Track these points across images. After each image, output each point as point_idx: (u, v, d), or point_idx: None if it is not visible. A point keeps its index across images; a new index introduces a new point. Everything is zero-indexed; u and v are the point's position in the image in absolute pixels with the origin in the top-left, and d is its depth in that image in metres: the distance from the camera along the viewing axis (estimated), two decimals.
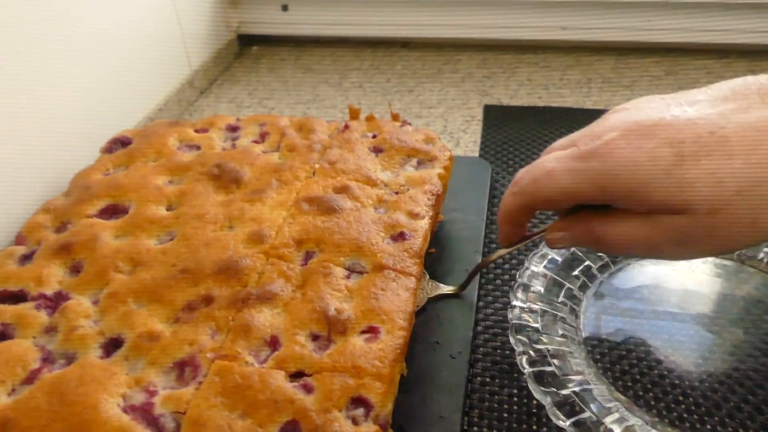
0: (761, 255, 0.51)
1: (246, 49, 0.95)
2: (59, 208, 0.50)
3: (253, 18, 0.93)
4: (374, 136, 0.57)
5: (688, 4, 0.79)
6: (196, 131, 0.59)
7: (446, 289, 0.49)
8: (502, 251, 0.45)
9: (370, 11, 0.88)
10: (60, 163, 0.58)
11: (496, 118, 0.74)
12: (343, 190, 0.49)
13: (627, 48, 0.86)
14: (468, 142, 0.71)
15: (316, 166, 0.53)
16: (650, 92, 0.78)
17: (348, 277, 0.43)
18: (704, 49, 0.84)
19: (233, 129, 0.59)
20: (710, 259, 0.51)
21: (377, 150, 0.55)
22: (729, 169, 0.31)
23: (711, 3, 0.78)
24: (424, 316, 0.47)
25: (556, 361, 0.42)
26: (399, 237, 0.46)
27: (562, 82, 0.81)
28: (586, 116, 0.73)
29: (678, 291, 0.50)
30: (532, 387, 0.40)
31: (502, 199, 0.41)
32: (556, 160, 0.37)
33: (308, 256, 0.44)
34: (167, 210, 0.49)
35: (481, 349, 0.47)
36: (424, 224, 0.47)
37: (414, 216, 0.47)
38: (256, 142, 0.58)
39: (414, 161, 0.54)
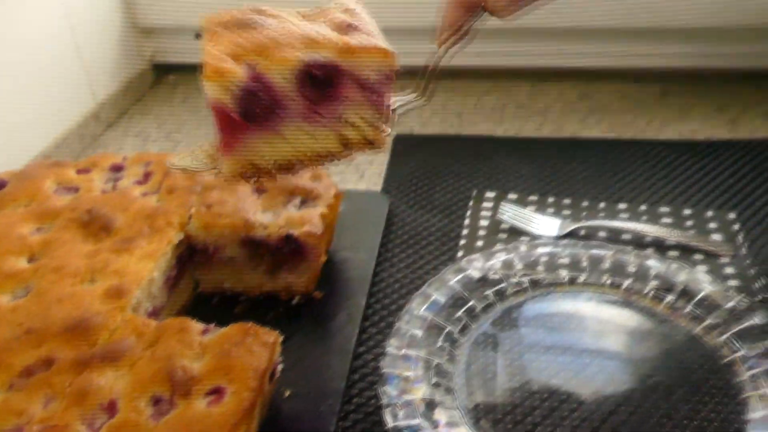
0: (647, 289, 0.50)
1: (163, 78, 0.93)
2: None
3: (168, 46, 0.91)
4: None
5: (600, 31, 0.79)
6: (78, 172, 0.57)
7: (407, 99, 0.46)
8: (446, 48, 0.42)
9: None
10: None
11: (404, 148, 0.73)
12: None
13: (543, 73, 0.86)
14: (373, 174, 0.69)
15: (193, 211, 0.51)
16: (563, 116, 0.78)
17: (204, 332, 0.41)
18: (617, 74, 0.84)
19: (117, 169, 0.57)
20: (595, 294, 0.50)
21: (260, 191, 0.53)
22: None
23: (621, 29, 0.78)
24: (297, 361, 0.46)
25: (420, 415, 0.40)
26: None
27: (476, 108, 0.81)
28: (495, 143, 0.73)
29: (562, 325, 0.49)
30: None
31: None
32: None
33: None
34: (28, 262, 0.47)
35: (354, 399, 0.45)
36: None
37: None
38: (138, 182, 0.55)
39: (297, 200, 0.52)
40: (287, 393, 0.44)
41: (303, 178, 0.54)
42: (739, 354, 0.45)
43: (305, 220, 0.50)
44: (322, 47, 0.38)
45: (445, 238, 0.59)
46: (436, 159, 0.70)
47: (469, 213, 0.61)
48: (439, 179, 0.67)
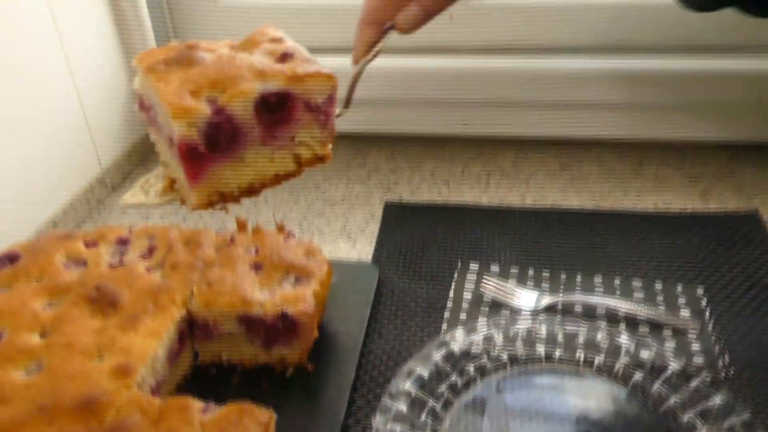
0: (617, 366, 0.54)
1: None
2: None
3: None
4: (257, 251, 0.59)
5: (577, 104, 0.84)
6: (86, 244, 0.60)
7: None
8: (362, 65, 0.47)
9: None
10: None
11: (395, 216, 0.77)
12: None
13: (526, 140, 0.91)
14: (365, 243, 0.73)
15: (195, 289, 0.54)
16: (545, 186, 0.82)
17: (204, 411, 0.44)
18: (597, 142, 0.89)
19: (123, 242, 0.61)
20: (566, 374, 0.54)
21: (257, 267, 0.57)
22: None
23: (601, 103, 0.83)
24: None
25: None
26: None
27: (463, 176, 0.85)
28: (480, 213, 0.78)
29: (539, 400, 0.52)
30: None
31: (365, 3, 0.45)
32: None
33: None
34: (41, 337, 0.50)
35: None
36: None
37: None
38: (143, 256, 0.59)
39: (292, 278, 0.56)
40: None
41: (297, 255, 0.58)
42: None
43: (299, 299, 0.53)
44: (273, 77, 0.43)
45: (431, 309, 0.63)
46: (424, 228, 0.74)
47: (453, 285, 0.65)
48: (426, 248, 0.71)
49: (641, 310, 0.59)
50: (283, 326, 0.53)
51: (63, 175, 0.76)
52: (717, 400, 0.49)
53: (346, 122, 0.91)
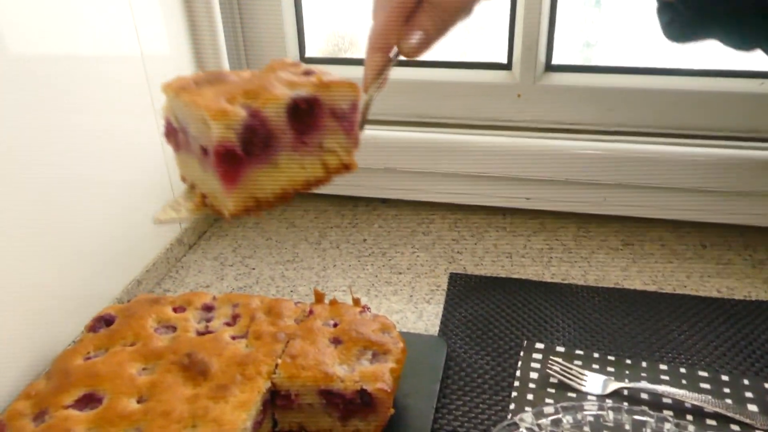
0: None
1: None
2: (40, 394, 0.55)
3: None
4: (335, 325, 0.62)
5: (641, 186, 0.86)
6: (175, 310, 0.64)
7: None
8: (373, 91, 0.49)
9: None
10: (45, 331, 0.63)
11: (460, 288, 0.80)
12: None
13: (588, 215, 0.93)
14: (431, 314, 0.76)
15: (279, 361, 0.57)
16: (606, 264, 0.84)
17: None
18: (659, 220, 0.90)
19: (208, 309, 0.65)
20: None
21: (336, 341, 0.60)
22: None
23: (661, 186, 0.85)
24: None
25: None
26: None
27: (525, 249, 0.87)
28: (543, 289, 0.80)
29: None
30: None
31: (376, 24, 0.48)
32: None
33: None
34: (138, 402, 0.54)
35: None
36: None
37: None
38: (228, 324, 0.63)
39: (369, 354, 0.59)
40: None
41: (374, 331, 0.61)
42: None
43: (377, 376, 0.56)
44: (302, 85, 0.46)
45: (497, 387, 0.65)
46: (489, 301, 0.77)
47: (520, 364, 0.67)
48: (491, 323, 0.73)
49: (708, 403, 0.60)
50: (361, 401, 0.56)
51: (149, 236, 0.81)
52: None
53: (411, 191, 0.95)
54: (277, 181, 0.47)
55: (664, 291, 0.78)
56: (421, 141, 0.90)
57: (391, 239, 0.91)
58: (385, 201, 1.00)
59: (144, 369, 0.57)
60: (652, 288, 0.79)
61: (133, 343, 0.60)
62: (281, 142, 0.46)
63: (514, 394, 0.63)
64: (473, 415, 0.62)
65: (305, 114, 0.46)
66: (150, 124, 0.78)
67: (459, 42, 0.95)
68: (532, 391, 0.64)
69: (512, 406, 0.62)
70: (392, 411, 0.57)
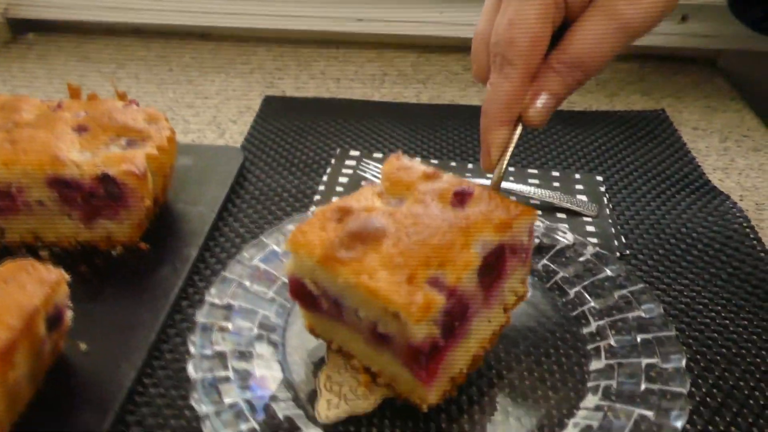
0: None
1: (21, 37, 0.85)
2: None
3: (24, 0, 0.83)
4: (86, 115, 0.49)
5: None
6: None
7: None
8: (501, 164, 0.37)
9: None
10: None
11: (274, 109, 0.68)
12: None
13: (430, 45, 0.83)
14: (235, 132, 0.64)
15: None
16: (444, 85, 0.75)
17: None
18: None
19: None
20: None
21: (82, 129, 0.47)
22: None
23: None
24: (105, 314, 0.40)
25: (230, 367, 0.36)
26: None
27: (357, 75, 0.77)
28: (369, 108, 0.70)
29: None
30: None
31: (498, 93, 0.35)
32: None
33: None
34: None
35: (167, 354, 0.39)
36: None
37: None
38: None
39: (123, 141, 0.47)
40: (83, 347, 0.38)
41: (135, 119, 0.48)
42: (587, 306, 0.42)
43: (126, 159, 0.44)
44: (485, 232, 0.33)
45: (300, 195, 0.55)
46: (305, 120, 0.66)
47: (329, 169, 0.57)
48: (304, 138, 0.63)
49: (536, 193, 0.53)
50: (106, 192, 0.44)
51: None
52: (606, 273, 0.43)
53: (229, 18, 0.82)
54: (470, 350, 0.36)
55: None
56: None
57: (203, 69, 0.78)
58: (204, 36, 0.86)
59: None
60: None
61: None
62: (474, 310, 0.34)
63: (317, 197, 0.54)
64: (265, 220, 0.52)
65: (492, 268, 0.34)
66: None
67: None
68: (338, 193, 0.54)
69: (313, 209, 0.52)
70: (149, 204, 0.46)
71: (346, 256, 0.33)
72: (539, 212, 0.37)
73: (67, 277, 0.36)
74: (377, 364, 0.36)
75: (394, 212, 0.35)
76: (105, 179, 0.43)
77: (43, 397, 0.35)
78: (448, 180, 0.37)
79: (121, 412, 0.35)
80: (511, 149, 0.37)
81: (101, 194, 0.44)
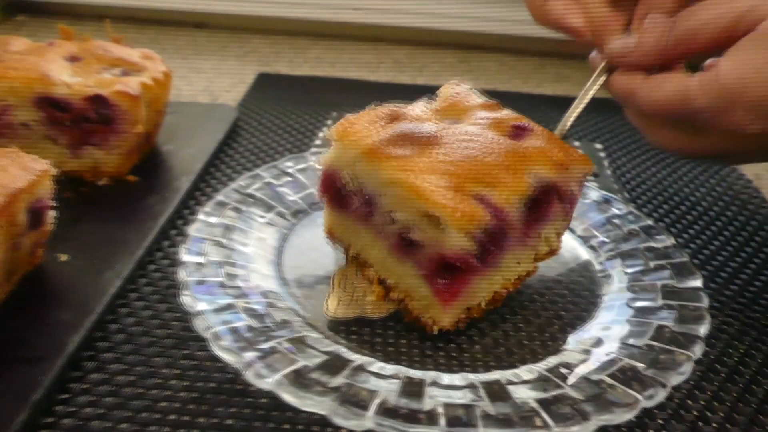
0: None
1: (11, 19, 0.84)
2: None
3: None
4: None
5: None
6: None
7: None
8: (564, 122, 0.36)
9: None
10: None
11: (268, 84, 0.67)
12: None
13: (425, 41, 0.83)
14: (228, 99, 0.63)
15: None
16: (439, 73, 0.75)
17: None
18: (497, 44, 0.83)
19: None
20: None
21: (74, 59, 0.45)
22: None
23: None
24: (90, 233, 0.38)
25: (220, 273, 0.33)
26: None
27: (352, 61, 0.77)
28: (365, 88, 0.69)
29: None
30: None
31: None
32: None
33: None
34: None
35: (151, 266, 0.37)
36: None
37: None
38: None
39: (117, 70, 0.45)
40: (64, 257, 0.35)
41: (132, 55, 0.47)
42: (597, 240, 0.41)
43: (121, 82, 0.42)
44: (539, 165, 0.32)
45: (296, 150, 0.53)
46: (300, 93, 0.65)
47: (329, 123, 0.56)
48: (298, 109, 0.61)
49: None
50: (97, 115, 0.42)
51: None
52: (614, 210, 0.42)
53: (224, 4, 0.81)
54: (493, 285, 0.34)
55: (498, 90, 0.70)
56: None
57: (197, 50, 0.77)
58: (199, 26, 0.86)
59: None
60: (489, 87, 0.71)
61: None
62: (511, 242, 0.33)
63: (317, 142, 0.52)
64: (257, 157, 0.50)
65: (538, 205, 0.33)
66: None
67: None
68: None
69: (312, 150, 0.51)
70: (140, 129, 0.44)
71: (394, 152, 0.31)
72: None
73: (53, 170, 0.33)
74: (394, 276, 0.34)
75: (448, 127, 0.34)
76: (97, 100, 0.42)
77: (18, 297, 0.32)
78: (507, 113, 0.36)
79: (103, 317, 0.33)
80: (586, 101, 0.36)
81: (92, 117, 0.42)
